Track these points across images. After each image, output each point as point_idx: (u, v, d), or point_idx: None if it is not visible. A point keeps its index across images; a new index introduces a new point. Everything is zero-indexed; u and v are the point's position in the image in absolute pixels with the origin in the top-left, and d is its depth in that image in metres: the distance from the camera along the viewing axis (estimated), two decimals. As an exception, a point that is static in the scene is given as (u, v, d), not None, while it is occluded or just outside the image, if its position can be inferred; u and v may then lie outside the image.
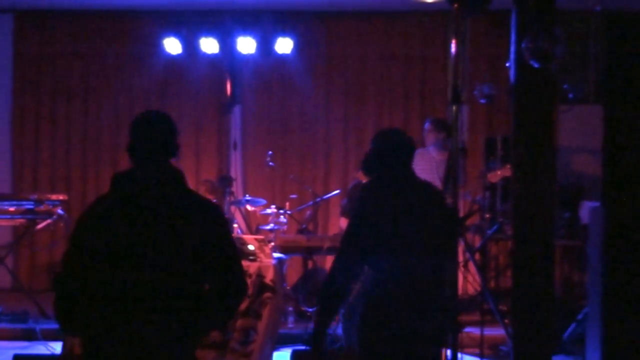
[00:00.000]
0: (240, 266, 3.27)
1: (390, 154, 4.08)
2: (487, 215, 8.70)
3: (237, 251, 3.30)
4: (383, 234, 3.87)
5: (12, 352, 5.98)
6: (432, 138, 8.40)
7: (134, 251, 3.06)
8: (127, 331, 3.04)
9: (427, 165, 8.08)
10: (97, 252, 3.07)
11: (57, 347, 6.77)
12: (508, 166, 8.01)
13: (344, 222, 8.85)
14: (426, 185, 4.21)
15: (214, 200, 8.36)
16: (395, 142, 4.13)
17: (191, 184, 9.27)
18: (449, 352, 5.25)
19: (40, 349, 7.28)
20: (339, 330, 6.44)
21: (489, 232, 8.36)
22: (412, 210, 3.93)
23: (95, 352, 3.08)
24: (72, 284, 3.10)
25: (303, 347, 7.34)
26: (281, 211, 8.89)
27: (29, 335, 7.72)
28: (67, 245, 3.19)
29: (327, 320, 3.98)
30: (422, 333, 3.87)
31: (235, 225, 8.89)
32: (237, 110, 10.69)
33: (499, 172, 8.15)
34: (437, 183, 7.97)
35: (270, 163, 9.38)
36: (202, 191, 9.13)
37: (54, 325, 7.05)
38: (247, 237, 7.49)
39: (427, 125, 8.48)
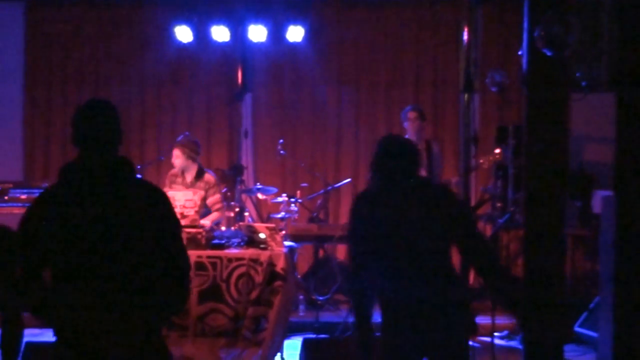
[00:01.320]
0: (183, 248, 3.34)
1: (383, 162, 4.01)
2: (499, 204, 8.67)
3: (180, 234, 3.37)
4: (375, 245, 3.88)
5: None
6: (417, 126, 8.38)
7: (84, 238, 3.14)
8: (89, 314, 3.13)
9: None
10: (48, 240, 3.16)
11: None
12: (498, 150, 8.01)
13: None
14: (427, 186, 4.16)
15: (225, 189, 8.46)
16: (387, 149, 4.04)
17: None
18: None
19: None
20: (350, 319, 6.44)
21: (500, 221, 8.34)
22: (405, 216, 3.87)
23: (63, 337, 3.19)
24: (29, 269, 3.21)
25: (314, 335, 7.47)
26: (292, 200, 8.87)
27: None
28: (17, 233, 3.26)
29: (361, 321, 4.03)
30: (438, 340, 3.86)
31: (246, 214, 9.01)
32: (248, 98, 10.66)
33: (490, 158, 8.13)
34: (422, 173, 8.05)
35: (281, 151, 9.38)
36: None
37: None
38: (258, 225, 7.49)
39: (411, 114, 8.45)
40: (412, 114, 8.43)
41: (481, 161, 8.24)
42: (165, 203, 3.32)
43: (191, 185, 8.01)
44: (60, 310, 3.18)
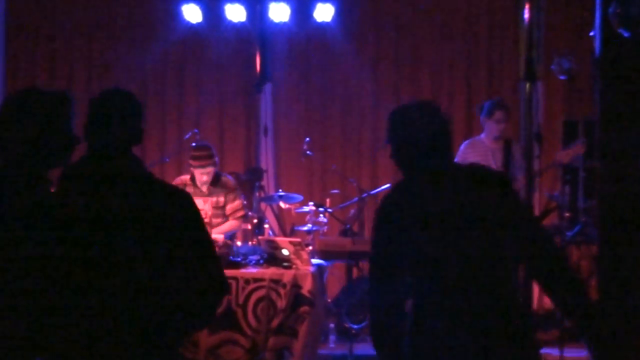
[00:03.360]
0: (216, 258, 3.36)
1: (414, 143, 3.64)
2: (567, 214, 8.62)
3: (211, 241, 3.39)
4: (413, 249, 3.55)
5: None
6: (502, 129, 8.28)
7: (92, 252, 3.16)
8: (92, 338, 3.14)
9: (481, 158, 8.04)
10: (50, 253, 3.16)
11: None
12: (580, 144, 7.91)
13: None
14: (476, 173, 3.72)
15: (242, 195, 8.43)
16: (413, 127, 3.64)
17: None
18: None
19: None
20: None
21: (570, 234, 8.28)
22: (452, 212, 3.53)
23: None
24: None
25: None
26: (321, 209, 8.87)
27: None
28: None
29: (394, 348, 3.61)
30: None
31: (266, 226, 8.88)
32: (268, 89, 10.63)
33: (570, 151, 8.03)
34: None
35: (308, 152, 9.38)
36: None
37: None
38: (281, 239, 7.50)
39: (498, 113, 8.31)
40: (499, 114, 8.29)
41: (558, 158, 8.10)
42: (186, 203, 3.35)
43: (209, 193, 8.01)
44: (58, 335, 3.18)
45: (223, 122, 10.69)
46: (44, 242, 3.15)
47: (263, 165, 10.35)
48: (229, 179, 8.19)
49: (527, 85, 9.40)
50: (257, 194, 9.47)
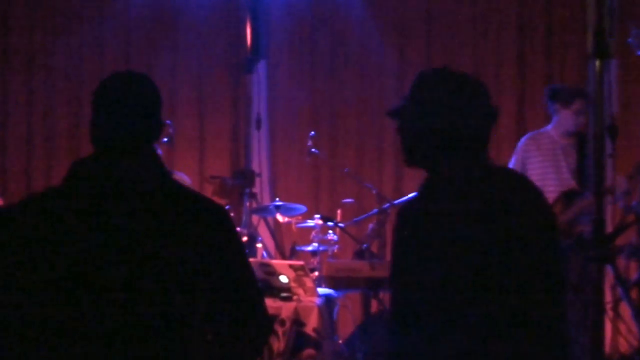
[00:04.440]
0: (259, 293, 3.42)
1: (453, 131, 3.44)
2: (650, 230, 8.57)
3: (253, 272, 3.42)
4: (432, 285, 3.42)
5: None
6: (581, 122, 8.25)
7: (99, 274, 3.15)
8: None
9: (549, 155, 8.11)
10: (43, 273, 3.15)
11: None
12: None
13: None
14: (512, 184, 3.49)
15: (227, 207, 8.51)
16: (456, 108, 3.42)
17: (194, 180, 9.27)
18: None
19: None
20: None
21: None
22: (483, 242, 3.34)
23: None
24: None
25: None
26: (330, 223, 8.89)
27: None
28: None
29: None
30: None
31: (259, 245, 8.93)
32: (261, 68, 10.66)
33: None
34: (567, 180, 8.03)
35: (314, 150, 9.42)
36: (209, 193, 9.32)
37: None
38: (278, 263, 7.69)
39: (579, 102, 8.26)
40: (579, 104, 8.27)
41: None
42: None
43: None
44: None
45: (205, 112, 10.74)
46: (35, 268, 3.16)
47: (255, 167, 10.39)
48: (182, 177, 8.35)
49: (597, 64, 9.35)
50: (248, 204, 9.52)
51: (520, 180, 3.50)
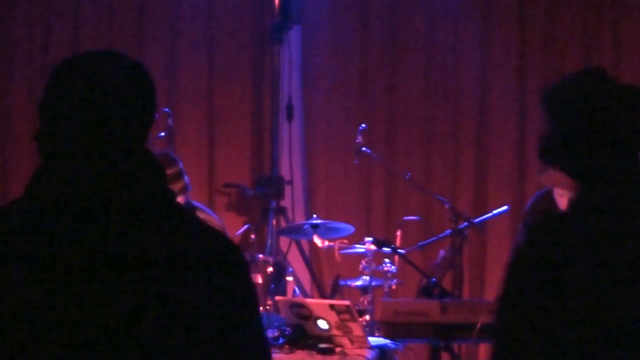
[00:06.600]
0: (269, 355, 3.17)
1: (612, 129, 3.25)
2: None
3: (264, 337, 3.07)
4: (577, 313, 3.11)
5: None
6: None
7: (63, 321, 2.72)
8: None
9: None
10: None
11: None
12: None
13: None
14: None
15: (246, 227, 8.39)
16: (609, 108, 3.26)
17: (201, 190, 8.31)
18: None
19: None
20: None
21: None
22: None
23: None
24: None
25: None
26: (386, 249, 8.27)
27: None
28: None
29: None
30: None
31: (289, 279, 8.45)
32: (294, 38, 9.85)
33: None
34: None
35: (364, 148, 8.80)
36: (222, 207, 9.63)
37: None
38: (315, 302, 7.51)
39: None
40: None
41: None
42: (232, 269, 2.91)
43: None
44: None
45: (214, 96, 10.00)
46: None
47: (284, 172, 9.77)
48: (211, 217, 8.07)
49: None
50: (274, 221, 9.27)
51: None
